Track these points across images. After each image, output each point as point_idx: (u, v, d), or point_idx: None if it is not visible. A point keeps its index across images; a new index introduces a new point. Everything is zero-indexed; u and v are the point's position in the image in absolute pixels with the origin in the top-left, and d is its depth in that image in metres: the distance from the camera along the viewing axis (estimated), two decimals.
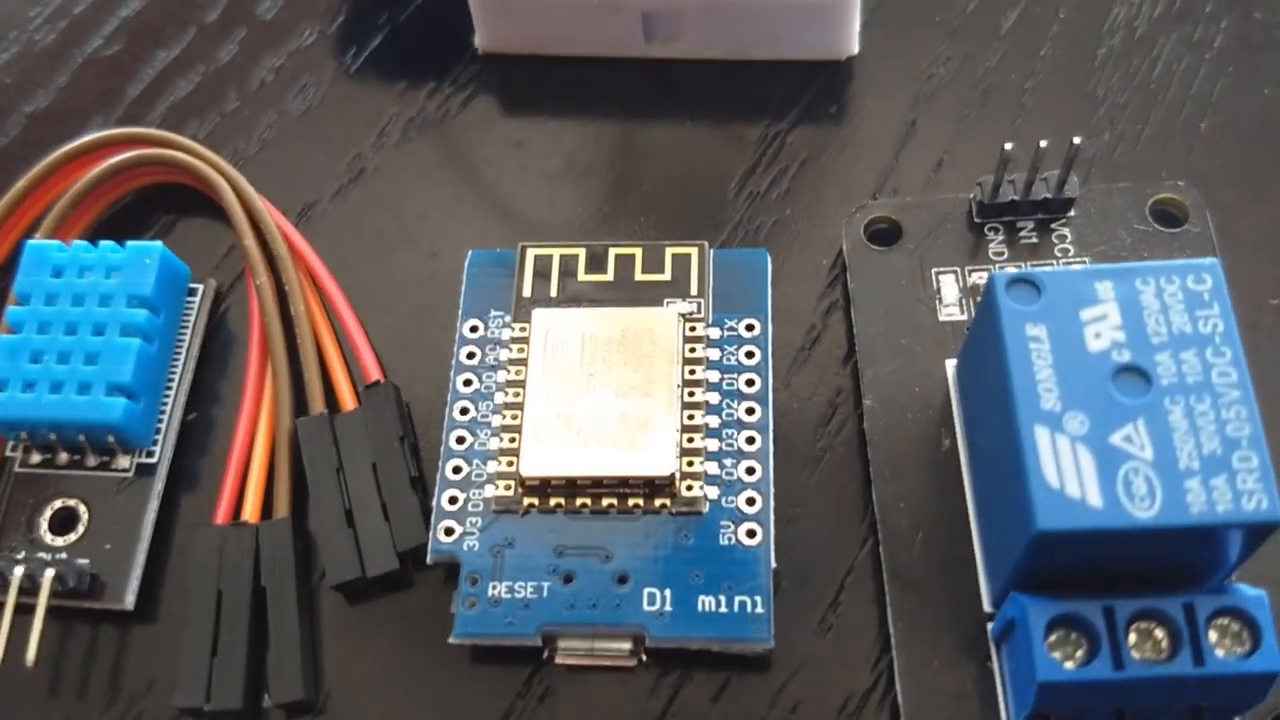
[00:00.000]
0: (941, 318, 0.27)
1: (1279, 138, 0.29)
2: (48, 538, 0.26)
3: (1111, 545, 0.20)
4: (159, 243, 0.27)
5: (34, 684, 0.25)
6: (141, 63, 0.33)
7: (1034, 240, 0.27)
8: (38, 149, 0.30)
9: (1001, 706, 0.23)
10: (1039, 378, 0.21)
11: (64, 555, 0.26)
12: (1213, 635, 0.21)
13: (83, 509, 0.26)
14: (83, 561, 0.26)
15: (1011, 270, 0.22)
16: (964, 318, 0.26)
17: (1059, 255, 0.27)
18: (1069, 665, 0.21)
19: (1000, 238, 0.27)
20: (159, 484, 0.27)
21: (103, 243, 0.28)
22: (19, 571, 0.25)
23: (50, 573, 0.25)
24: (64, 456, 0.27)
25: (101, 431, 0.26)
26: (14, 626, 0.25)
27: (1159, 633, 0.21)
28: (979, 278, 0.27)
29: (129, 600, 0.25)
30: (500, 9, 0.31)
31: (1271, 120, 0.29)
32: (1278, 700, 0.22)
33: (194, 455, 0.27)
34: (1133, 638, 0.21)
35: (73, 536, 0.26)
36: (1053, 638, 0.21)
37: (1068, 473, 0.20)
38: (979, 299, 0.26)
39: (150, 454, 0.27)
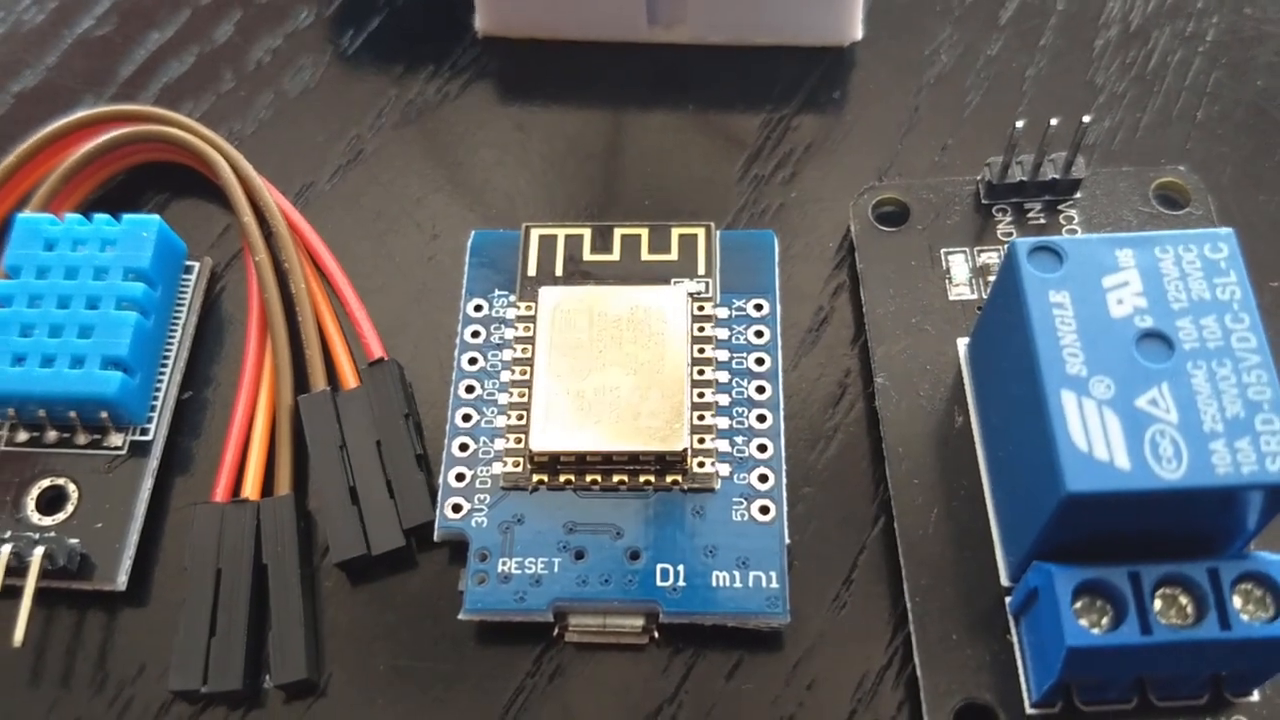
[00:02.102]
0: (951, 297, 0.27)
1: (1273, 128, 0.29)
2: (34, 517, 0.25)
3: (1138, 508, 0.20)
4: (156, 216, 0.27)
5: (19, 668, 0.25)
6: (133, 43, 0.32)
7: (1041, 221, 0.27)
8: (25, 128, 0.30)
9: (1021, 678, 0.23)
10: (1063, 343, 0.21)
11: (52, 534, 0.25)
12: (1237, 600, 0.21)
13: (72, 488, 0.26)
14: (73, 541, 0.25)
15: (1032, 239, 0.22)
16: (974, 297, 0.26)
17: (1067, 237, 0.27)
18: (1095, 632, 0.21)
19: (1008, 219, 0.27)
20: (153, 462, 0.26)
21: (97, 215, 0.27)
22: (5, 550, 0.24)
23: (39, 550, 0.24)
24: (52, 434, 0.26)
25: (95, 406, 0.25)
26: None
27: (1183, 599, 0.21)
28: (988, 257, 0.27)
29: (121, 580, 0.25)
30: None
31: (1265, 111, 0.30)
32: None
33: (187, 436, 0.27)
34: (1158, 604, 0.21)
35: (61, 516, 0.25)
36: (1078, 604, 0.21)
37: (1095, 436, 0.20)
38: (991, 277, 0.26)
39: (145, 431, 0.26)
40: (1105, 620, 0.21)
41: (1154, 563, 0.21)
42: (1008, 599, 0.23)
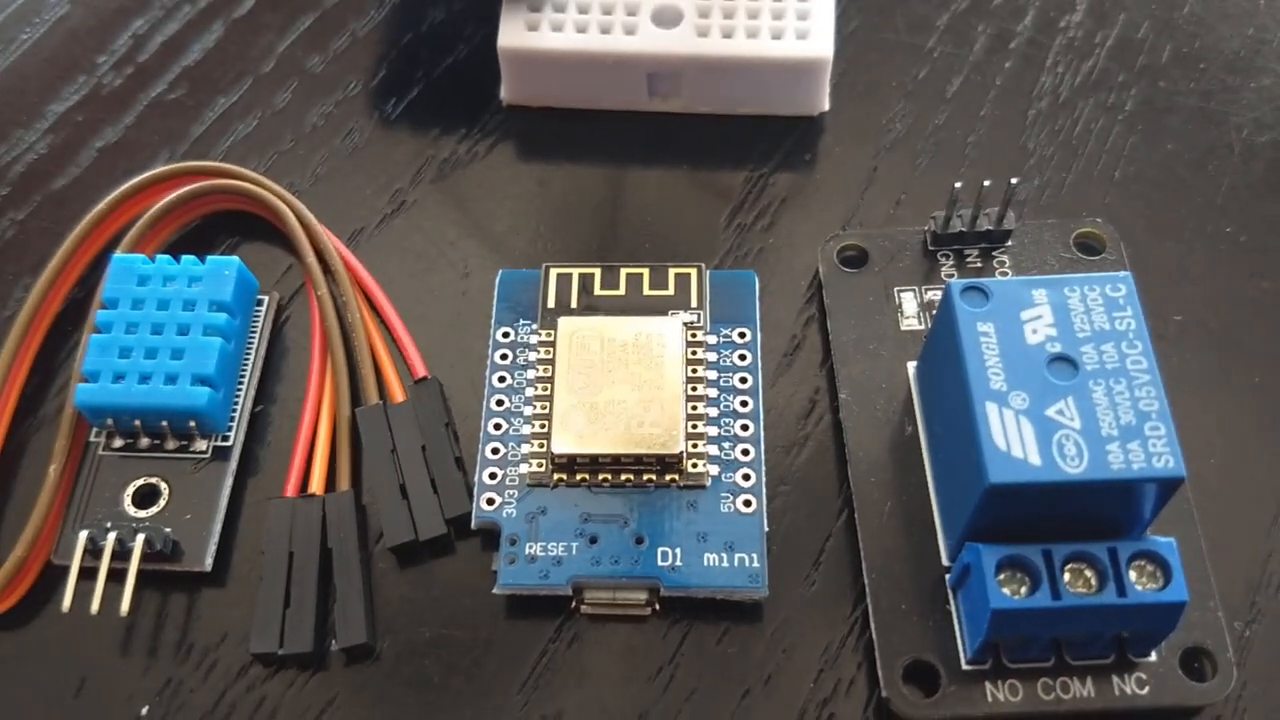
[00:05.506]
0: (903, 327, 0.31)
1: (1179, 185, 0.34)
2: (131, 510, 0.29)
3: (1048, 497, 0.24)
4: (236, 257, 0.31)
5: (117, 639, 0.28)
6: (203, 106, 0.36)
7: (978, 265, 0.32)
8: (109, 179, 0.34)
9: (959, 640, 0.27)
10: (988, 364, 0.25)
11: (148, 525, 0.29)
12: (1132, 574, 0.25)
13: (163, 486, 0.30)
14: (166, 529, 0.29)
15: (965, 280, 0.27)
16: (922, 327, 0.31)
17: (999, 277, 0.32)
18: (1015, 598, 0.25)
19: (950, 263, 0.32)
20: (233, 464, 0.30)
21: (185, 256, 0.31)
22: (111, 537, 0.28)
23: (141, 536, 0.28)
24: (145, 441, 0.30)
25: (185, 417, 0.29)
26: (103, 591, 0.28)
27: (1088, 572, 0.25)
28: (934, 294, 0.32)
29: (207, 563, 0.29)
30: (524, 66, 0.35)
31: (1173, 170, 0.34)
32: (1188, 635, 0.27)
33: (258, 443, 0.31)
34: (1067, 576, 0.25)
35: (154, 509, 0.29)
36: (1001, 576, 0.25)
37: (1013, 438, 0.25)
38: (935, 310, 0.31)
39: (225, 439, 0.30)
40: (1024, 589, 0.25)
41: (1064, 543, 0.25)
42: (947, 575, 0.27)
